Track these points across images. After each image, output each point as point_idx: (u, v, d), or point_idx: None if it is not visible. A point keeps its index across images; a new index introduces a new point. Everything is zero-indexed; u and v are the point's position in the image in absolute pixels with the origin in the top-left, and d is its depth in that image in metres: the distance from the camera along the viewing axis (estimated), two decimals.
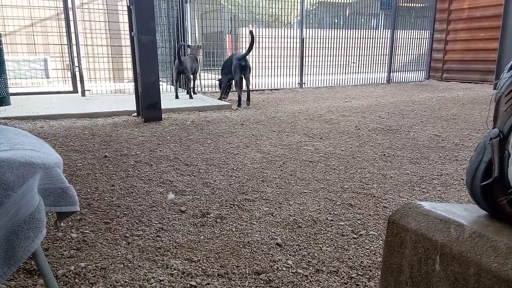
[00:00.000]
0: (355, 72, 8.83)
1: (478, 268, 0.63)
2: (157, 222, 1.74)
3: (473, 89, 7.19)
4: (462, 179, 2.37)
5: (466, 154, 2.92)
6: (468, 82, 8.05)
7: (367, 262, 1.42)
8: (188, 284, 1.25)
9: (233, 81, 5.50)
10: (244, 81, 5.35)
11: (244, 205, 1.94)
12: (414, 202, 0.83)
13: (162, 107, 4.31)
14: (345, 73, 8.69)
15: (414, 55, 9.01)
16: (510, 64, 0.71)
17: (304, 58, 7.77)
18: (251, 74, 5.54)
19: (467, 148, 3.10)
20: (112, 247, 1.50)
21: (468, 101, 5.72)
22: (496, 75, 7.37)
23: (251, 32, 5.12)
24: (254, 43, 5.18)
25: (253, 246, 1.53)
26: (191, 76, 5.92)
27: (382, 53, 8.83)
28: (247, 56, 5.20)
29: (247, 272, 1.34)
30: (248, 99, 5.44)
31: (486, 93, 6.59)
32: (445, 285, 0.69)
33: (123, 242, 1.55)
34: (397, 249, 0.81)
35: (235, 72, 5.27)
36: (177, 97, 5.75)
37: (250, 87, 5.49)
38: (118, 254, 1.45)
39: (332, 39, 8.55)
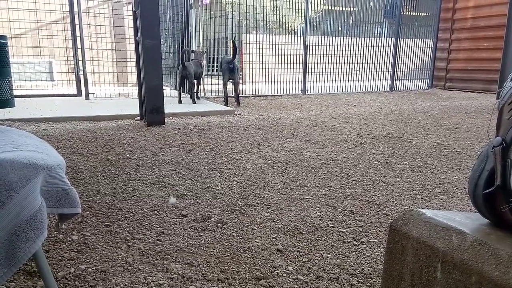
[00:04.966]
0: (358, 80, 8.85)
1: (479, 277, 0.62)
2: (158, 226, 1.74)
3: (476, 99, 7.18)
4: (464, 188, 2.36)
5: (469, 163, 2.91)
6: (471, 91, 8.05)
7: (368, 269, 1.41)
8: None
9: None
10: (233, 84, 5.95)
11: (245, 210, 1.94)
12: (416, 210, 0.83)
13: (165, 111, 4.33)
14: (348, 80, 8.71)
15: (417, 64, 9.03)
16: None
17: (307, 65, 7.80)
18: (252, 79, 5.87)
19: (470, 157, 3.09)
20: (113, 250, 1.50)
21: (471, 110, 5.72)
22: (499, 85, 7.36)
23: (233, 42, 5.99)
24: (237, 49, 6.06)
25: (253, 251, 1.52)
26: (195, 81, 5.95)
27: (385, 61, 8.85)
28: (234, 60, 5.80)
29: (247, 277, 1.34)
30: (238, 101, 5.94)
31: (489, 103, 6.58)
32: None
33: (124, 245, 1.55)
34: (398, 256, 0.80)
35: (223, 74, 5.83)
36: (180, 101, 5.78)
37: (239, 90, 6.02)
38: (119, 257, 1.45)
39: (336, 47, 8.58)
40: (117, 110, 4.90)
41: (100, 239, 1.60)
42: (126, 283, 1.28)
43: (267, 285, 1.29)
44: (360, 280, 1.34)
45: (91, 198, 2.07)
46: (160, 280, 1.29)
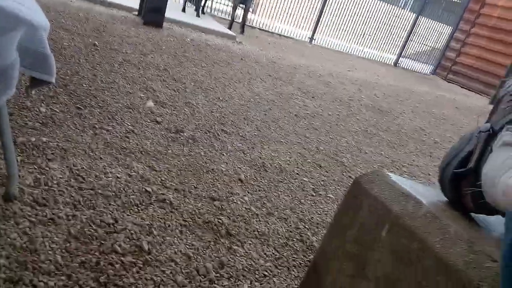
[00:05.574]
0: (367, 46, 8.62)
1: (422, 245, 0.65)
2: (129, 124, 1.71)
3: (471, 97, 7.21)
4: (429, 174, 2.44)
5: (442, 153, 2.98)
6: (468, 89, 8.05)
7: (317, 219, 1.47)
8: (144, 189, 1.26)
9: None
10: (243, 10, 5.67)
11: (219, 135, 1.93)
12: (384, 171, 0.84)
13: (166, 16, 4.09)
14: (357, 43, 8.47)
15: (428, 47, 8.83)
16: None
17: (322, 14, 7.46)
18: (264, 12, 5.55)
19: (445, 148, 3.16)
20: (78, 133, 1.48)
21: (463, 107, 5.76)
22: (497, 91, 7.37)
23: None
24: None
25: (216, 174, 1.54)
26: None
27: (399, 35, 8.59)
28: None
29: (203, 195, 1.36)
30: (243, 28, 5.73)
31: (482, 104, 6.63)
32: (386, 252, 0.72)
33: (90, 131, 1.53)
34: (353, 209, 0.82)
35: None
36: (184, 10, 5.47)
37: (247, 17, 5.82)
38: (82, 141, 1.43)
39: (355, 5, 8.20)
40: None
41: (68, 118, 1.57)
42: (84, 167, 1.27)
43: (220, 206, 1.32)
44: (306, 226, 1.40)
45: (68, 77, 1.99)
46: (119, 174, 1.30)
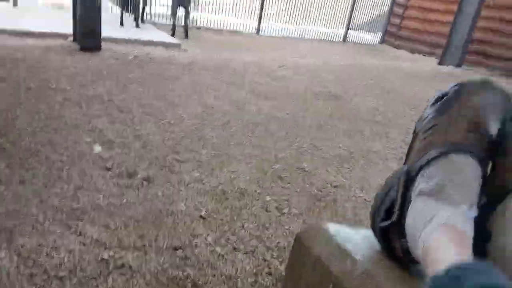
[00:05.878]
0: (314, 24, 8.67)
1: None
2: (78, 179, 1.65)
3: (419, 62, 7.44)
4: (387, 159, 2.52)
5: (397, 131, 3.07)
6: (417, 53, 8.29)
7: (284, 243, 1.48)
8: (100, 257, 1.23)
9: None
10: (183, 14, 5.69)
11: (174, 167, 1.90)
12: (320, 226, 0.84)
13: (103, 35, 3.93)
14: (304, 23, 8.50)
15: (374, 16, 8.99)
16: (434, 98, 0.68)
17: (264, 2, 7.40)
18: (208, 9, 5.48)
19: (399, 125, 3.25)
20: (23, 205, 1.41)
21: (412, 74, 5.94)
22: (444, 50, 7.60)
23: None
24: None
25: (176, 216, 1.52)
26: (141, 0, 5.41)
27: (343, 8, 8.68)
28: None
29: (165, 246, 1.34)
30: (186, 33, 5.75)
31: (430, 68, 6.86)
32: None
33: (36, 199, 1.46)
34: (298, 267, 0.83)
35: (173, 1, 5.50)
36: (122, 24, 5.27)
37: (188, 21, 5.84)
38: (29, 214, 1.37)
39: None
40: (48, 25, 4.36)
41: (10, 189, 1.49)
42: (33, 245, 1.22)
43: (184, 256, 1.31)
44: (274, 255, 1.41)
45: (5, 137, 1.88)
46: (71, 245, 1.25)
